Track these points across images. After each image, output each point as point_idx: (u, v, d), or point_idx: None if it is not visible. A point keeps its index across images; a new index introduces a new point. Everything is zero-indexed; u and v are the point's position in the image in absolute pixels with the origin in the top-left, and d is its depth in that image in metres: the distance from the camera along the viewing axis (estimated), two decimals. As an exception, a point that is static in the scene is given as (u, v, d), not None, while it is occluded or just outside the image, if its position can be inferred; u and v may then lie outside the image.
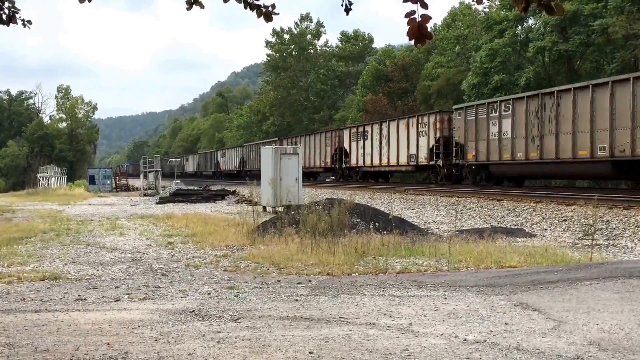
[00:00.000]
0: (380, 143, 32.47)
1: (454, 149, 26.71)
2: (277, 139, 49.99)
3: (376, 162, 32.99)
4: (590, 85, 19.40)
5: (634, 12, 27.54)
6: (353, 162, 35.95)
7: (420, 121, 29.13)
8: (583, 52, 32.87)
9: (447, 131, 27.41)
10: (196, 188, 36.58)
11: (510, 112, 23.03)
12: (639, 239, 12.10)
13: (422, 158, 28.75)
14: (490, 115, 24.13)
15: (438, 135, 27.62)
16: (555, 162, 20.94)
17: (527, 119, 22.03)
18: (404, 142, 30.20)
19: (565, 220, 14.75)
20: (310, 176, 43.69)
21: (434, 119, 28.18)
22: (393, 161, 31.34)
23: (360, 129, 35.22)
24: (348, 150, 36.68)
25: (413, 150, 29.44)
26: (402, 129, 30.53)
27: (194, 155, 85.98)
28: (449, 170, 27.61)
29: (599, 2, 30.48)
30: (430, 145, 28.08)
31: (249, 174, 49.99)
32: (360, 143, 34.78)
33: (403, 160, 30.41)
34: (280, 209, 17.74)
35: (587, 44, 31.34)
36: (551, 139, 20.85)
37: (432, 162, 28.02)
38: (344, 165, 37.76)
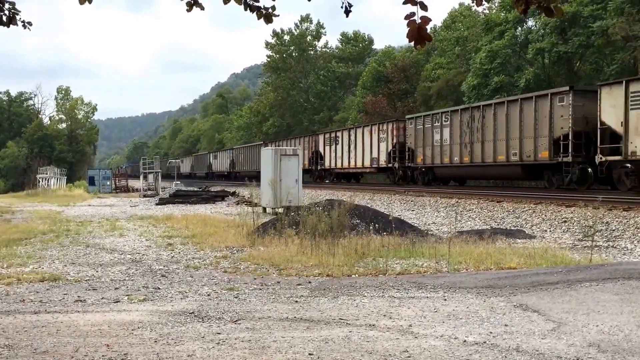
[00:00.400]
0: (349, 147, 36.36)
1: (407, 153, 30.80)
2: (260, 143, 53.93)
3: (345, 164, 36.85)
4: (506, 101, 24.07)
5: (634, 14, 27.56)
6: (327, 164, 40.01)
7: (380, 128, 33.18)
8: (583, 54, 32.89)
9: (402, 138, 31.38)
10: (196, 189, 36.59)
11: (448, 122, 27.25)
12: (639, 240, 12.10)
13: (382, 161, 32.70)
14: (434, 124, 28.40)
15: (394, 141, 31.69)
16: (481, 165, 25.25)
17: (461, 129, 26.27)
18: (368, 147, 34.13)
19: (565, 221, 14.76)
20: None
21: (391, 127, 32.21)
22: (359, 164, 35.24)
23: (333, 135, 39.17)
24: (322, 153, 40.70)
25: (375, 154, 33.45)
26: (366, 135, 34.34)
27: (189, 157, 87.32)
28: (404, 172, 31.56)
29: (598, 3, 30.49)
30: (388, 150, 32.14)
31: (238, 175, 57.01)
32: (333, 147, 38.75)
33: (367, 163, 34.31)
34: (280, 210, 17.74)
35: (586, 46, 31.36)
36: (478, 146, 25.12)
37: (390, 165, 32.08)
38: (319, 167, 41.60)
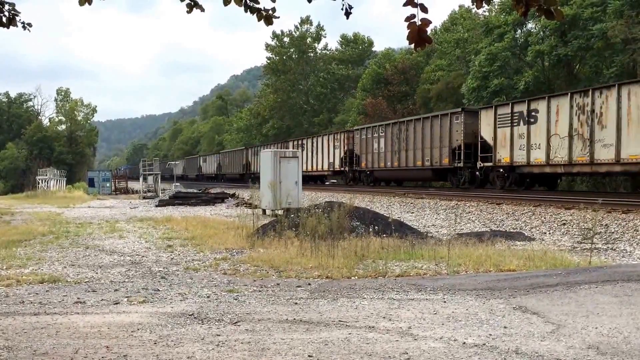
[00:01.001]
0: (313, 153, 41.96)
1: (355, 159, 35.96)
2: (242, 148, 60.80)
3: (310, 168, 41.72)
4: (422, 118, 30.01)
5: (633, 17, 27.59)
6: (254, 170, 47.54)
7: (335, 137, 38.58)
8: (582, 56, 32.91)
9: (352, 146, 36.43)
10: (195, 191, 36.60)
11: (384, 133, 32.50)
12: (638, 242, 12.12)
13: (337, 165, 38.14)
14: (374, 135, 33.63)
15: (346, 148, 36.91)
16: (406, 169, 30.79)
17: (392, 139, 31.73)
18: (327, 153, 39.79)
19: (564, 224, 14.77)
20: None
21: (344, 136, 37.44)
22: (320, 167, 41.02)
23: (300, 141, 44.65)
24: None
25: (331, 160, 38.98)
26: (325, 143, 39.95)
27: (182, 160, 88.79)
28: (353, 174, 36.56)
29: (598, 6, 30.51)
30: (341, 156, 37.48)
31: (224, 177, 63.68)
32: (300, 152, 42.75)
33: (325, 167, 40.12)
34: (280, 212, 17.75)
35: (586, 48, 31.38)
36: (404, 154, 30.61)
37: (342, 169, 37.40)
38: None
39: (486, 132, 24.49)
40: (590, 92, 19.58)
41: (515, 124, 22.77)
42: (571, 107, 20.20)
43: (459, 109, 27.77)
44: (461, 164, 26.20)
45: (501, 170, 23.80)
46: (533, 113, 21.89)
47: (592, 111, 19.34)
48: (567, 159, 20.27)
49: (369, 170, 34.40)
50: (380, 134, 32.96)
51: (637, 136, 17.91)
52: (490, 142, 24.15)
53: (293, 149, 42.57)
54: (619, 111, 18.40)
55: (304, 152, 41.06)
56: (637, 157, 17.88)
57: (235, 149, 63.63)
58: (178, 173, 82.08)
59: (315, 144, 41.58)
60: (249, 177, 47.26)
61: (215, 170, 68.82)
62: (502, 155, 23.45)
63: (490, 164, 24.30)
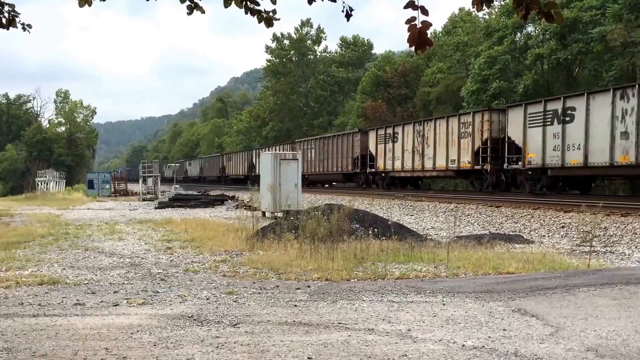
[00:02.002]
0: (323, 154, 46.41)
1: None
2: (218, 154, 67.47)
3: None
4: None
5: (632, 20, 27.65)
6: (257, 172, 52.24)
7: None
8: (582, 60, 32.95)
9: (366, 147, 37.10)
10: (195, 193, 36.58)
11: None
12: (636, 245, 12.13)
13: (349, 167, 39.59)
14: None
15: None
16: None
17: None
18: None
19: (563, 226, 14.78)
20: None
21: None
22: (331, 169, 46.43)
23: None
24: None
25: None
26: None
27: (172, 163, 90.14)
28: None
29: (597, 9, 30.56)
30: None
31: (205, 179, 70.74)
32: (301, 154, 50.63)
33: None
34: (280, 214, 17.75)
35: (585, 52, 31.42)
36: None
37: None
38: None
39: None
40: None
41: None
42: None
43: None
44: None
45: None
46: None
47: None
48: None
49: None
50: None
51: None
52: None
53: (257, 155, 47.07)
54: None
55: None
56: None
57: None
58: (169, 176, 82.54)
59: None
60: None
61: (199, 174, 74.43)
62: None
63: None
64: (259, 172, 22.26)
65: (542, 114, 21.70)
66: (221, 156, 67.10)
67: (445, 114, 32.06)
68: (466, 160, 25.88)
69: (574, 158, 20.21)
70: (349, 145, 36.31)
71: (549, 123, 21.33)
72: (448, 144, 27.04)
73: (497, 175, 24.68)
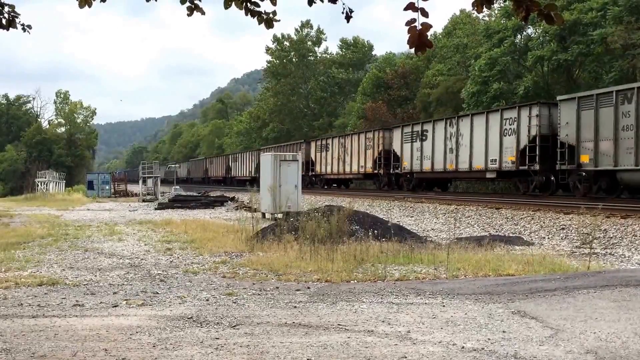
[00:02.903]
0: (233, 162, 57.45)
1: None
2: (203, 158, 73.18)
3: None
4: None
5: (633, 22, 27.68)
6: (233, 174, 60.96)
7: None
8: (582, 62, 32.96)
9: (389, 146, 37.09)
10: (195, 194, 36.58)
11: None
12: (636, 247, 12.13)
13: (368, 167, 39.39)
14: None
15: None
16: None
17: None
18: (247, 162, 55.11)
19: (563, 228, 14.78)
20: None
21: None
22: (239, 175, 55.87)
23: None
24: (231, 166, 61.39)
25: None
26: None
27: (163, 167, 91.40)
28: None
29: (598, 11, 30.58)
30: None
31: (192, 180, 78.01)
32: (235, 164, 60.28)
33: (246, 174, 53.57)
34: (280, 215, 17.75)
35: (586, 54, 31.44)
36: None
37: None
38: (230, 175, 61.81)
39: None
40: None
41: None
42: None
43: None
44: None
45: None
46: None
47: None
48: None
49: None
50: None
51: None
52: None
53: (233, 159, 53.12)
54: None
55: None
56: None
57: (196, 159, 68.76)
58: (161, 177, 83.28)
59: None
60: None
61: (186, 175, 79.68)
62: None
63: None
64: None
65: (410, 133, 29.76)
66: (205, 159, 73.53)
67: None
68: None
69: (427, 166, 28.46)
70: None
71: (414, 140, 29.32)
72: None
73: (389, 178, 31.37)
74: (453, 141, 26.83)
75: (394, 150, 32.18)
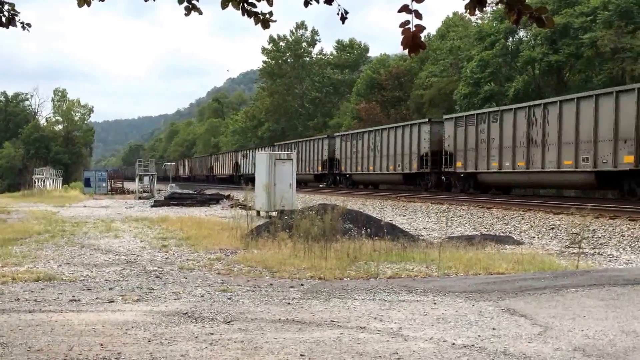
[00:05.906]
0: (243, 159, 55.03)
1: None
2: (208, 154, 74.95)
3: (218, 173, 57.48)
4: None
5: (622, 27, 27.92)
6: (215, 172, 65.75)
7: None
8: (572, 64, 33.14)
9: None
10: (191, 192, 36.58)
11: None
12: (624, 247, 12.27)
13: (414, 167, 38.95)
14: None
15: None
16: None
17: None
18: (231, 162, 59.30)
19: (552, 228, 14.91)
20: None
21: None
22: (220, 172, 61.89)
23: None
24: (213, 166, 65.87)
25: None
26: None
27: (154, 165, 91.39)
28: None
29: (588, 15, 30.76)
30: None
31: (179, 178, 79.58)
32: (218, 163, 65.85)
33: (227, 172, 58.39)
34: (274, 213, 17.82)
35: (576, 56, 31.62)
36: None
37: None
38: (213, 174, 66.18)
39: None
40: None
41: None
42: None
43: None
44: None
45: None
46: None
47: None
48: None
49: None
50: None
51: None
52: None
53: (215, 160, 57.57)
54: None
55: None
56: None
57: (201, 156, 69.52)
58: (159, 174, 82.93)
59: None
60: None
61: (173, 174, 76.98)
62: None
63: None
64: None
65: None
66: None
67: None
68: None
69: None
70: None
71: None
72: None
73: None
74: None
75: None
